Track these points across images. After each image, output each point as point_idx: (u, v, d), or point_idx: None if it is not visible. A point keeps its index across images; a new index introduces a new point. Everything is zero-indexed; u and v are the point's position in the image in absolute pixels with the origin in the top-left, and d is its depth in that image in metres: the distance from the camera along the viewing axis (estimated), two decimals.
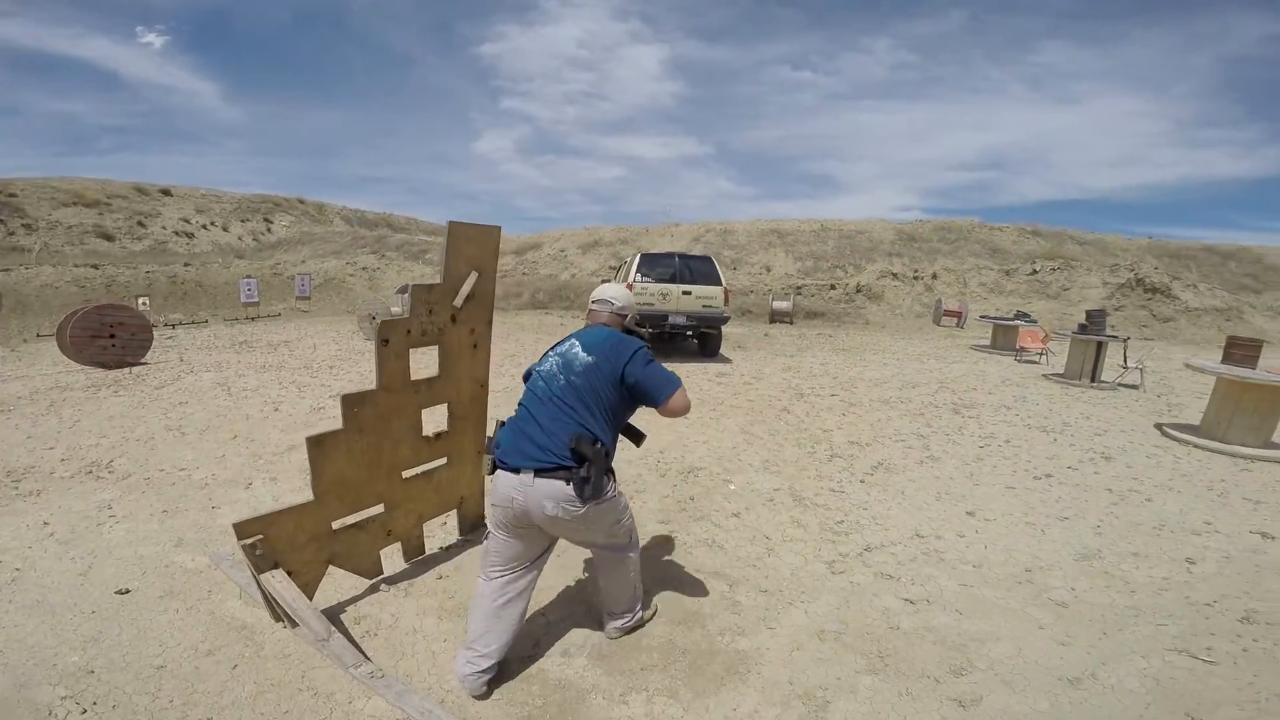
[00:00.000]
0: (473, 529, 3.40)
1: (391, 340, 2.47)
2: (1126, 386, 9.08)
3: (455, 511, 3.25)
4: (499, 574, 2.23)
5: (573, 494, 2.04)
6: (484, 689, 2.17)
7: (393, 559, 3.03)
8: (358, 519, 2.69)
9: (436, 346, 2.72)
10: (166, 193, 41.72)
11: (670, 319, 9.51)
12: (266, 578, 2.32)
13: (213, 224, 40.73)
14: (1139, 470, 4.87)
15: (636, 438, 2.42)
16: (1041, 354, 11.17)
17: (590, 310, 2.49)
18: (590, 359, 2.17)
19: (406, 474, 2.81)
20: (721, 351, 11.05)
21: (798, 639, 2.58)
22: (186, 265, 27.83)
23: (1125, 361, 8.97)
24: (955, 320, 17.38)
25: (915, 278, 20.73)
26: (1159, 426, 6.41)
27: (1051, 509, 4.00)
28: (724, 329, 10.85)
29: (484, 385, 3.01)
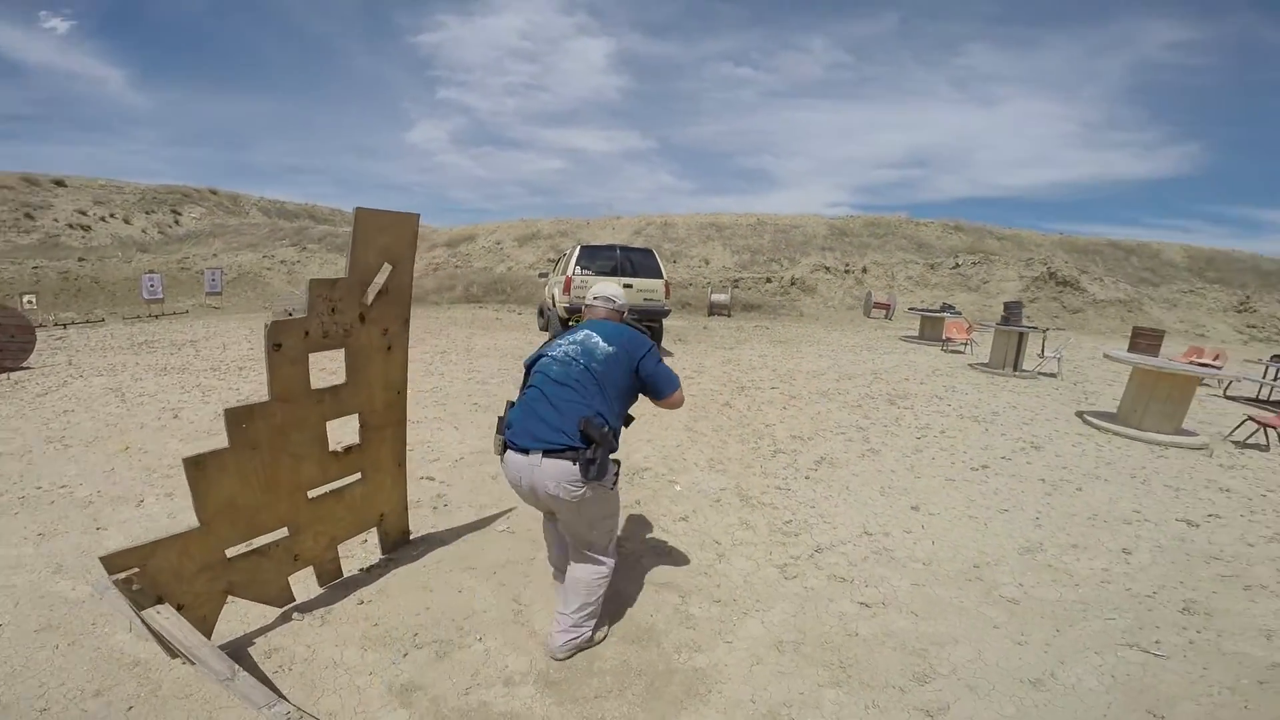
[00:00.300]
0: (396, 547, 3.08)
1: (286, 344, 2.14)
2: (1046, 375, 9.53)
3: (376, 529, 2.93)
4: (561, 551, 2.55)
5: (577, 474, 2.11)
6: (569, 654, 2.36)
7: (307, 583, 2.70)
8: (258, 544, 2.35)
9: (343, 350, 2.38)
10: (60, 183, 38.00)
11: None
12: (150, 614, 1.97)
13: (112, 216, 37.38)
14: (1067, 459, 5.02)
15: (627, 420, 2.46)
16: (966, 344, 11.61)
17: (588, 306, 2.64)
18: (612, 349, 2.29)
19: (313, 493, 2.48)
20: (663, 345, 10.92)
21: (756, 652, 2.43)
22: (81, 260, 25.44)
23: (1044, 351, 9.41)
24: (884, 312, 17.95)
25: (847, 271, 21.29)
26: (1080, 415, 6.70)
27: (991, 501, 4.03)
28: (665, 322, 10.73)
29: (401, 391, 2.69)
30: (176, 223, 40.06)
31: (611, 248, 9.88)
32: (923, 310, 12.79)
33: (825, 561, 3.17)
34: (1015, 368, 9.30)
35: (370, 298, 2.34)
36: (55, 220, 33.62)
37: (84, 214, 35.51)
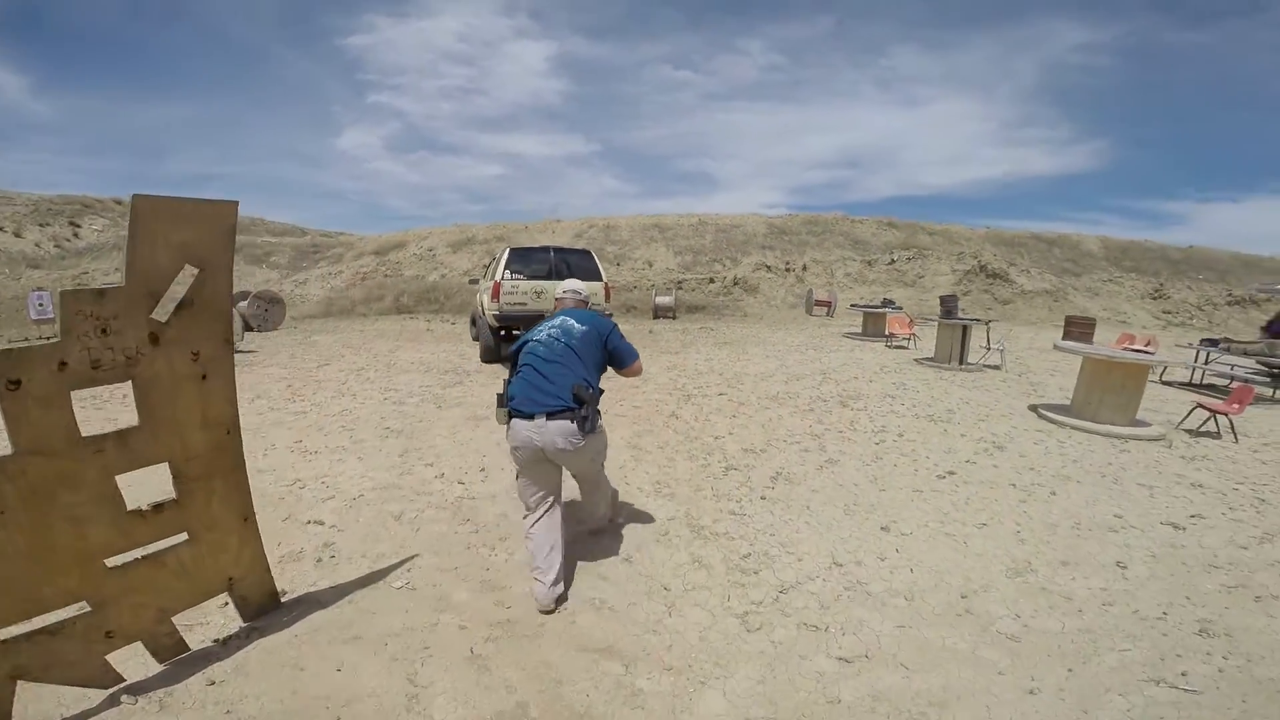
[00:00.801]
0: (261, 613, 2.41)
1: (31, 380, 1.47)
2: (990, 367, 9.49)
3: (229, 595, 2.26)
4: (540, 512, 2.76)
5: (576, 429, 2.60)
6: (554, 606, 2.62)
7: (144, 660, 2.05)
8: (47, 622, 1.69)
9: (130, 382, 1.72)
10: None
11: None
12: None
13: (2, 230, 33.99)
14: (1033, 459, 4.75)
15: (599, 392, 2.80)
16: (909, 339, 11.55)
17: (558, 299, 3.29)
18: (584, 328, 2.85)
19: (114, 561, 1.82)
20: None
21: None
22: None
23: (989, 343, 9.36)
24: (826, 309, 17.96)
25: (787, 269, 21.29)
26: (1034, 409, 6.53)
27: (965, 514, 3.66)
28: None
29: (231, 430, 2.03)
30: (75, 235, 36.63)
31: (545, 249, 9.25)
32: (865, 306, 12.71)
33: (793, 605, 2.68)
34: (961, 361, 9.20)
35: (166, 313, 1.69)
36: None
37: None
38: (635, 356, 2.97)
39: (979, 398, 7.16)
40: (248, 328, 15.48)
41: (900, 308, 13.15)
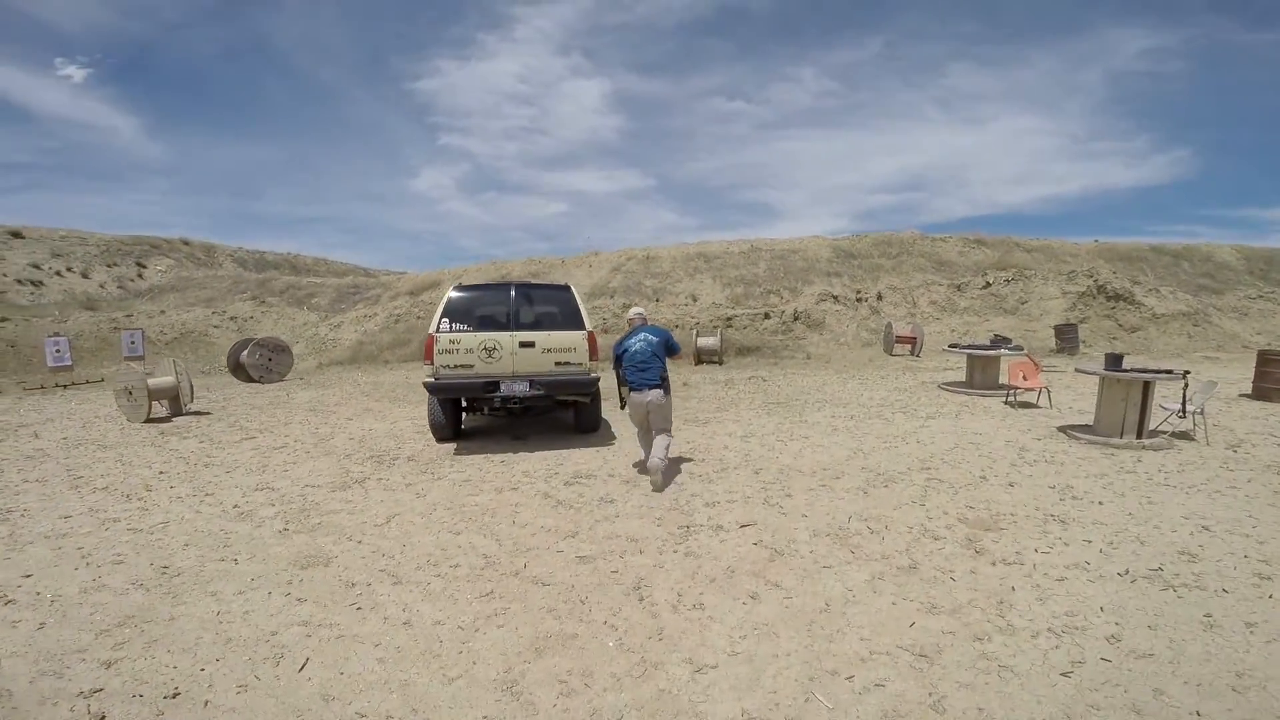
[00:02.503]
0: None
1: None
2: (1180, 436, 6.20)
3: None
4: (646, 436, 5.36)
5: (663, 393, 5.13)
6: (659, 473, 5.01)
7: None
8: None
9: None
10: (17, 235, 36.00)
11: (503, 387, 6.12)
12: None
13: (69, 270, 35.23)
14: None
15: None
16: (1038, 393, 8.28)
17: (630, 320, 5.57)
18: (656, 339, 5.24)
19: None
20: (608, 419, 7.70)
21: None
22: (3, 321, 22.85)
23: (1185, 407, 6.06)
24: (910, 347, 14.68)
25: (859, 299, 18.10)
26: None
27: None
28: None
29: None
30: (140, 276, 37.88)
31: (503, 288, 6.76)
32: (969, 347, 9.50)
33: None
34: (1139, 433, 5.96)
35: None
36: (3, 275, 31.35)
37: (37, 268, 33.26)
38: (679, 349, 5.42)
39: (1220, 512, 4.05)
40: (249, 379, 13.95)
41: (1021, 347, 9.84)
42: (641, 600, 3.15)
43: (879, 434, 6.69)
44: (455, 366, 6.11)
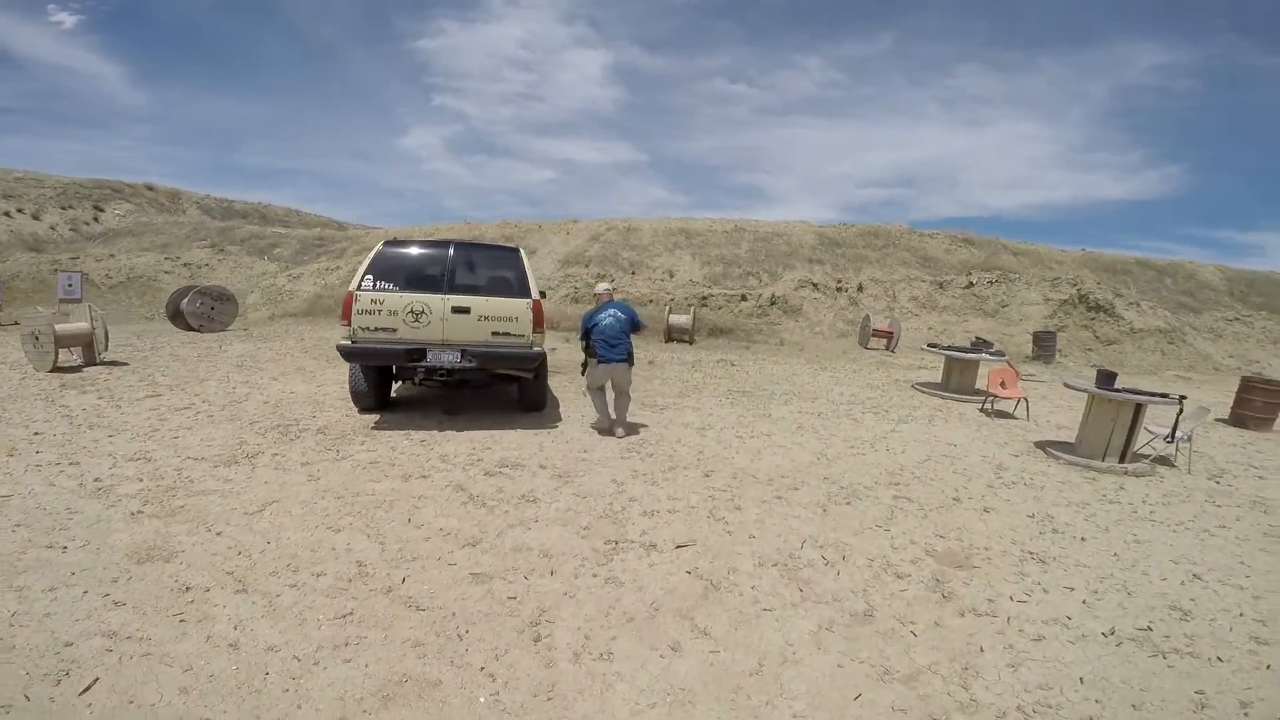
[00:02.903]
0: None
1: None
2: (1161, 461, 5.80)
3: None
4: (603, 394, 5.80)
5: (628, 364, 5.61)
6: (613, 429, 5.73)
7: None
8: None
9: None
10: None
11: (430, 356, 5.44)
12: None
13: (20, 211, 33.14)
14: None
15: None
16: (1016, 403, 7.84)
17: (598, 295, 5.92)
18: (624, 316, 5.61)
19: None
20: (558, 395, 7.08)
21: None
22: None
23: (1174, 433, 5.62)
24: (886, 341, 14.23)
25: (839, 289, 17.58)
26: None
27: None
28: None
29: None
30: (96, 220, 35.77)
31: (440, 246, 6.02)
32: (950, 350, 8.99)
33: None
34: (1123, 456, 5.52)
35: None
36: None
37: None
38: (643, 326, 6.05)
39: (1211, 557, 3.61)
40: (189, 327, 13.00)
41: (1003, 353, 9.38)
42: (537, 641, 2.55)
43: (846, 437, 6.16)
44: (375, 329, 5.38)
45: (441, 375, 5.66)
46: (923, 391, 8.99)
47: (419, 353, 5.41)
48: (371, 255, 5.63)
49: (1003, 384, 7.61)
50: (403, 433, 5.50)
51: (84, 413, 5.72)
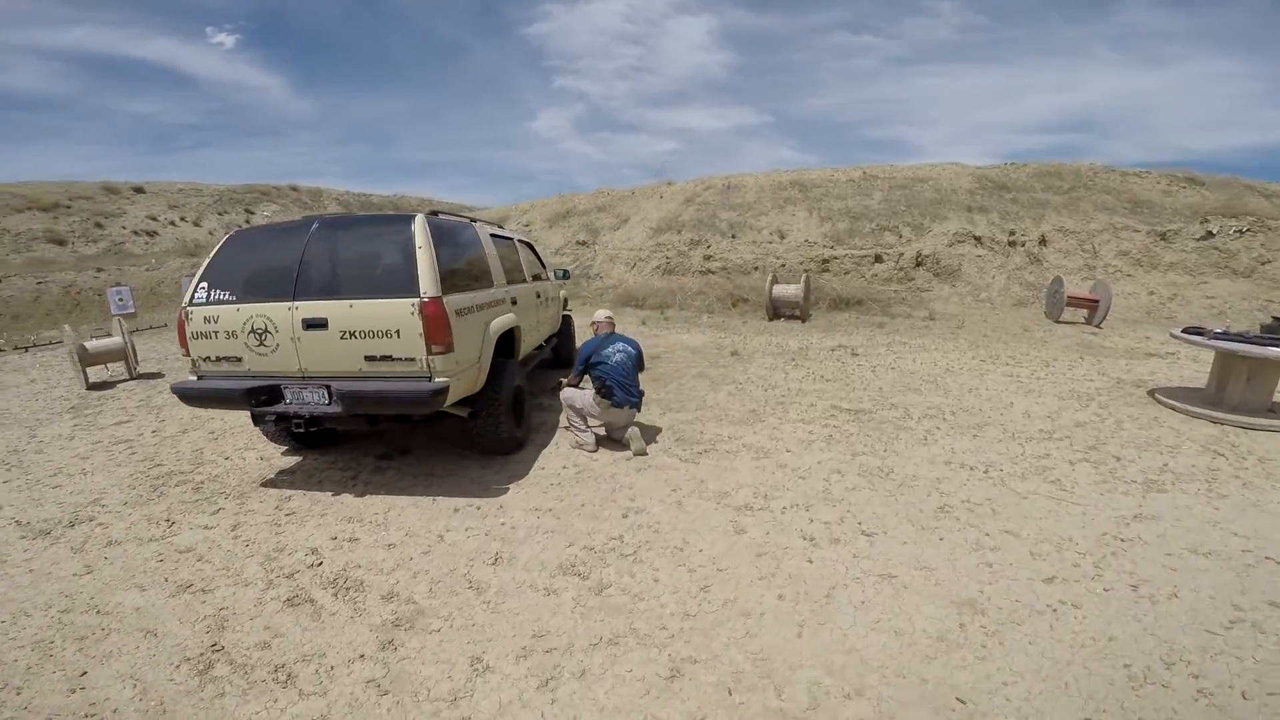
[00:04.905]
0: None
1: None
2: None
3: None
4: (592, 431, 4.63)
5: (637, 412, 4.51)
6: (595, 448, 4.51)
7: None
8: None
9: None
10: (139, 190, 38.12)
11: (289, 395, 3.52)
12: None
13: (183, 219, 36.92)
14: None
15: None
16: None
17: (597, 324, 4.78)
18: (635, 352, 4.60)
19: None
20: (546, 439, 4.73)
21: None
22: (99, 271, 23.43)
23: None
24: (1090, 313, 10.16)
25: (1012, 242, 13.38)
26: None
27: None
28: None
29: None
30: (247, 221, 39.22)
31: (296, 229, 3.81)
32: (1224, 337, 5.28)
33: None
34: None
35: None
36: (123, 228, 33.01)
37: (154, 219, 34.80)
38: (645, 366, 4.94)
39: None
40: None
41: None
42: None
43: (1036, 539, 3.15)
44: (219, 359, 3.55)
45: (299, 427, 3.51)
46: (1171, 407, 5.43)
47: (271, 392, 3.45)
48: (212, 252, 3.70)
49: None
50: (287, 492, 3.82)
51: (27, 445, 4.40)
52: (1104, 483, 3.85)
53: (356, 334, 3.33)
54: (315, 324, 3.37)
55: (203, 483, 4.10)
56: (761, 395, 5.84)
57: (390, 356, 3.32)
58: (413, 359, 3.30)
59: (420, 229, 3.47)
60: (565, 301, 7.74)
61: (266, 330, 3.44)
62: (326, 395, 3.40)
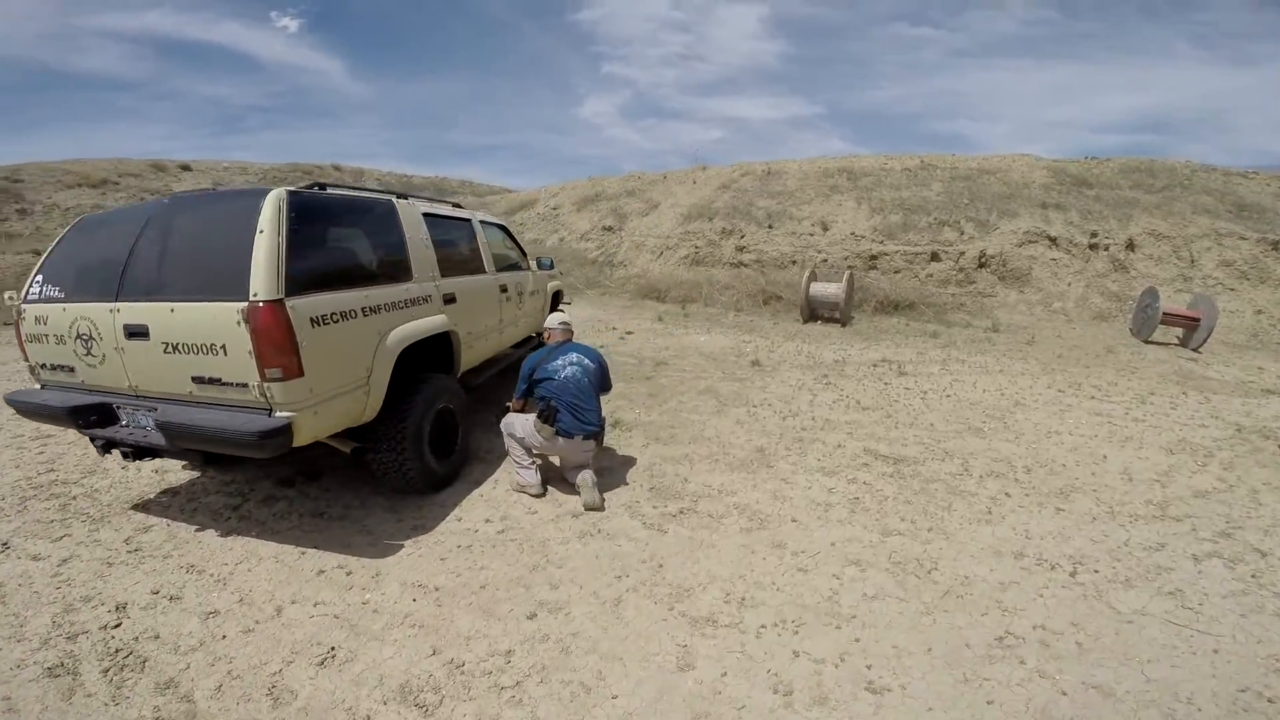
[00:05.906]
0: None
1: None
2: None
3: None
4: (535, 463, 3.56)
5: (599, 440, 3.48)
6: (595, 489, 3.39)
7: None
8: None
9: None
10: (186, 168, 38.90)
11: (124, 417, 2.71)
12: None
13: None
14: None
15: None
16: None
17: (548, 332, 3.78)
18: (594, 365, 3.57)
19: None
20: (487, 469, 3.76)
21: None
22: None
23: None
24: (1185, 331, 8.58)
25: (1094, 245, 11.70)
26: None
27: None
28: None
29: None
30: None
31: (137, 212, 2.82)
32: None
33: None
34: None
35: None
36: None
37: None
38: (611, 386, 3.81)
39: None
40: None
41: None
42: None
43: (1156, 694, 1.99)
44: (54, 368, 2.83)
45: (127, 456, 2.71)
46: None
47: (103, 411, 2.68)
48: (54, 241, 2.94)
49: None
50: (150, 520, 3.24)
51: None
52: (1245, 595, 2.63)
53: (180, 347, 2.40)
54: (136, 332, 2.50)
55: (76, 498, 3.43)
56: (777, 426, 4.70)
57: (219, 380, 2.37)
58: (245, 384, 2.34)
59: (271, 207, 2.46)
60: (559, 296, 6.73)
61: (91, 336, 2.61)
62: (145, 414, 2.61)
